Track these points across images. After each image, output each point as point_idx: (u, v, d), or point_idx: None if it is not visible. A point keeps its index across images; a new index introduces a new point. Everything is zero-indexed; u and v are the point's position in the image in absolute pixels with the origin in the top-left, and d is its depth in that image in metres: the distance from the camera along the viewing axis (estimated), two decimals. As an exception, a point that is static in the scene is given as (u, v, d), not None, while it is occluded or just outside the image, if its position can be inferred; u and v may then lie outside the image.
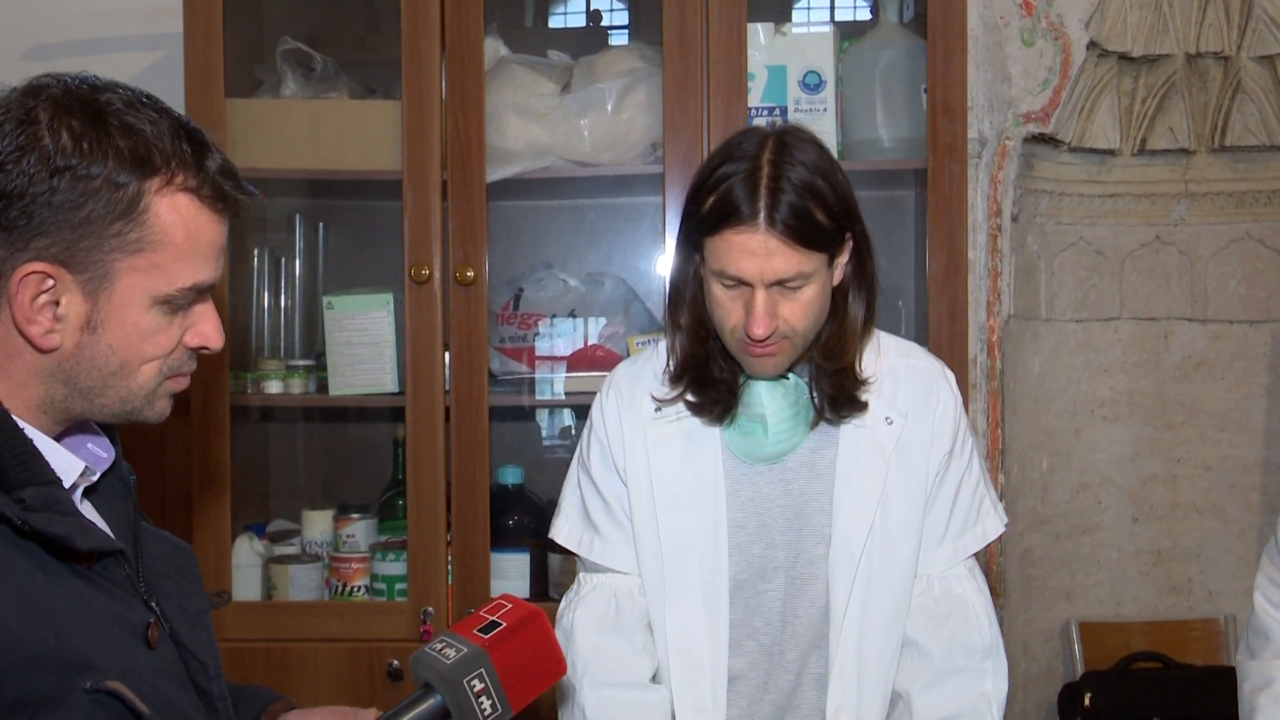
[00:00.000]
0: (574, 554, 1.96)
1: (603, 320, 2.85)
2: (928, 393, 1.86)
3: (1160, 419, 3.11)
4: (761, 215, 1.66)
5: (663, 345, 1.91)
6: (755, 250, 1.67)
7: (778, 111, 2.68)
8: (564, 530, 1.95)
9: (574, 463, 1.97)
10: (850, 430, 1.83)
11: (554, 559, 2.77)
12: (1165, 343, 3.12)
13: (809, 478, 1.84)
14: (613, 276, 2.92)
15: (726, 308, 1.73)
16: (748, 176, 1.67)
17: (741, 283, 1.69)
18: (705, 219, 1.70)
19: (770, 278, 1.68)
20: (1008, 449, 2.98)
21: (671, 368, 1.85)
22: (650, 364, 1.92)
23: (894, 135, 2.70)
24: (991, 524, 1.91)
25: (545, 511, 2.83)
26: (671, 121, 2.59)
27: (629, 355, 2.72)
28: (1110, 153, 3.04)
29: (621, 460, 1.87)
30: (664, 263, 2.63)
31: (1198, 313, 3.11)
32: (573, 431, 3.09)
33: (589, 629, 1.86)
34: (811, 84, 2.69)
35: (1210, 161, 3.06)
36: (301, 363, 2.83)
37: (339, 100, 2.77)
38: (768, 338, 1.70)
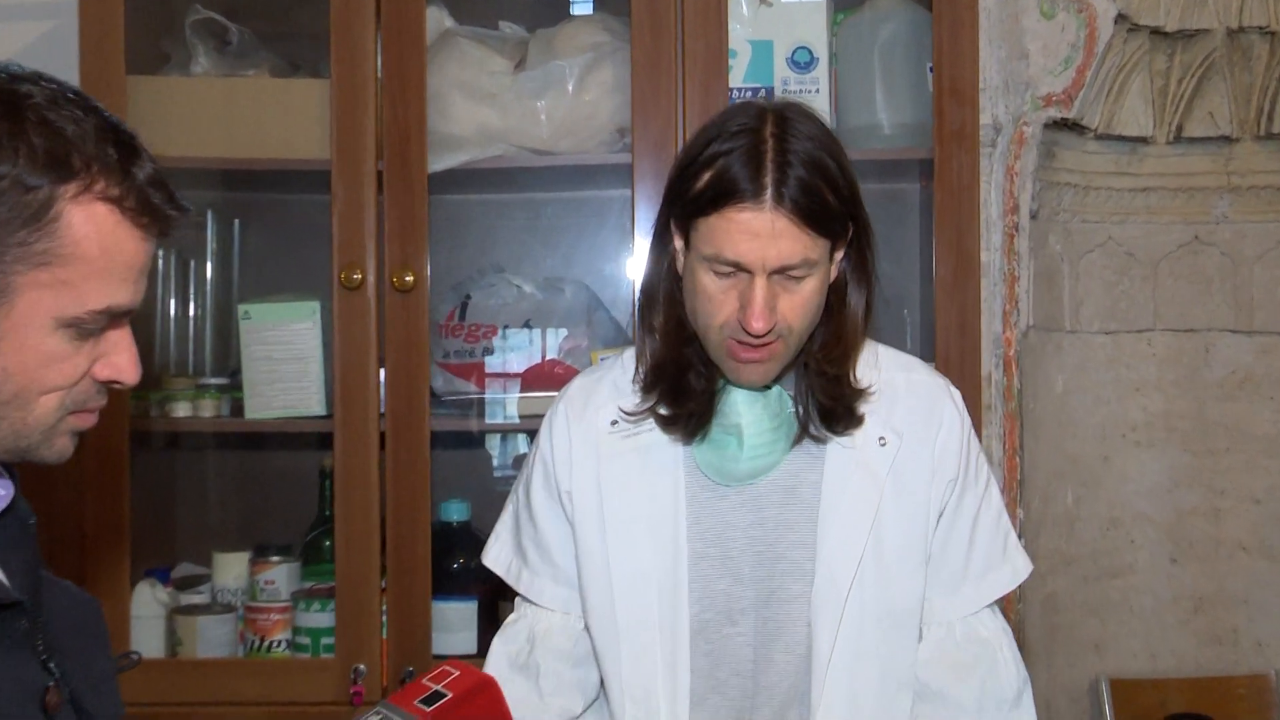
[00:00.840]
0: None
1: (563, 332, 2.86)
2: (929, 412, 1.88)
3: (1201, 444, 3.14)
4: (769, 191, 1.68)
5: (626, 355, 1.94)
6: (760, 231, 1.69)
7: (763, 93, 2.71)
8: (493, 553, 2.02)
9: (517, 482, 2.02)
10: (837, 450, 1.85)
11: (506, 607, 2.77)
12: (1206, 357, 3.15)
13: (785, 504, 1.85)
14: (574, 282, 2.94)
15: (717, 301, 1.74)
16: (749, 151, 1.70)
17: (740, 269, 1.71)
18: (699, 197, 1.72)
19: (774, 263, 1.70)
20: (1027, 480, 3.01)
21: (642, 376, 1.87)
22: (610, 375, 1.94)
23: (895, 120, 2.74)
24: (1021, 562, 1.94)
25: (495, 553, 2.85)
26: (641, 104, 2.62)
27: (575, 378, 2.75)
28: (1142, 141, 3.08)
29: (567, 482, 1.89)
30: (633, 266, 2.65)
31: (1242, 323, 3.14)
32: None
33: (501, 663, 1.93)
34: (801, 62, 2.73)
35: (1256, 151, 3.11)
36: (213, 381, 2.83)
37: (258, 78, 2.78)
38: (765, 334, 1.72)
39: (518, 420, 2.88)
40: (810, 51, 2.73)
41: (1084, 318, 3.11)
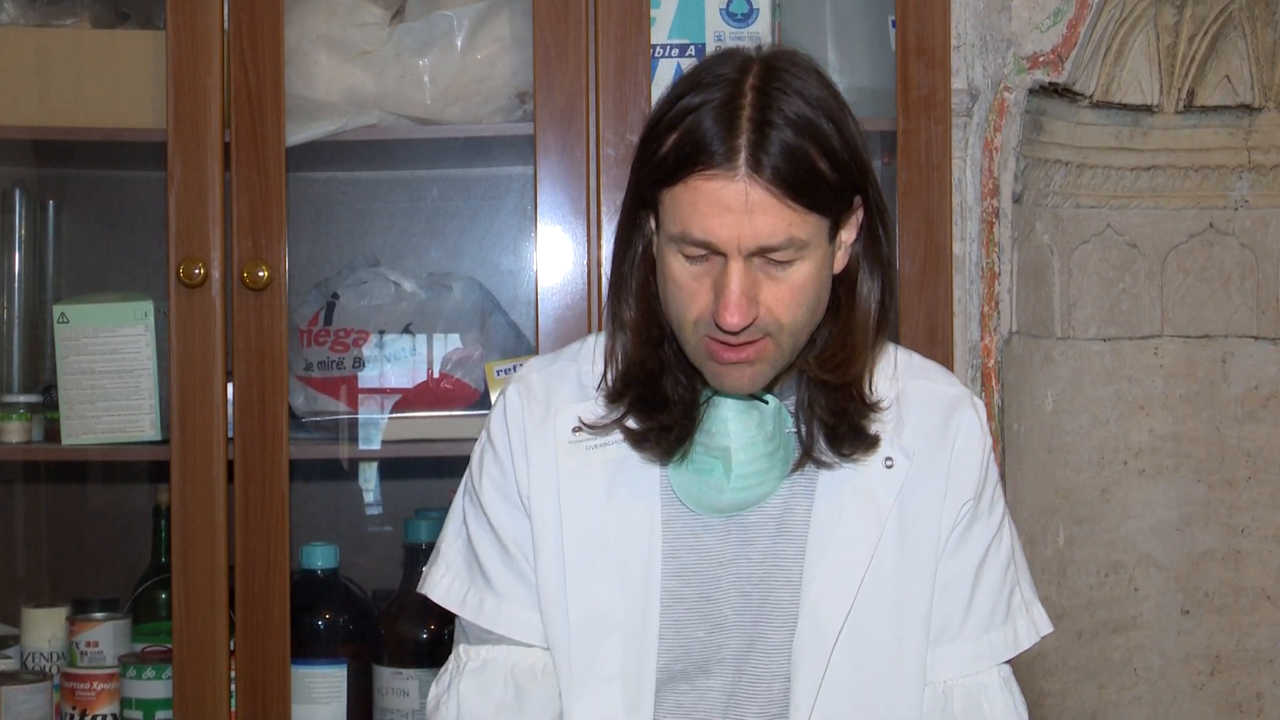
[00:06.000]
0: (447, 627, 2.02)
1: (452, 339, 2.88)
2: (944, 422, 1.90)
3: (1218, 473, 3.19)
4: (742, 155, 1.67)
5: (592, 344, 1.94)
6: (732, 204, 1.68)
7: (692, 51, 2.74)
8: (442, 583, 1.95)
9: (459, 493, 1.99)
10: (831, 472, 1.85)
11: (382, 673, 2.79)
12: (1223, 369, 3.20)
13: (776, 535, 1.86)
14: (464, 278, 2.95)
15: (689, 291, 1.74)
16: (723, 105, 1.69)
17: (712, 251, 1.71)
18: (663, 164, 1.72)
19: (750, 243, 1.69)
20: (1010, 515, 3.04)
21: (610, 381, 1.86)
22: (574, 367, 1.94)
23: (851, 85, 2.77)
24: (1025, 625, 1.94)
25: (369, 607, 2.86)
26: (545, 64, 2.64)
27: (487, 387, 2.76)
28: (1147, 110, 3.12)
29: (526, 486, 1.88)
30: (535, 258, 2.67)
31: (1267, 329, 3.19)
32: (409, 495, 3.12)
33: (486, 718, 1.88)
34: (739, 14, 2.76)
35: (1281, 122, 3.18)
36: (22, 399, 2.83)
37: (77, 29, 2.78)
38: (743, 330, 1.72)
39: (396, 446, 2.90)
40: (749, 1, 2.77)
41: (1078, 322, 3.16)
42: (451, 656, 1.96)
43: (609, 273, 1.90)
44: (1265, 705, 3.18)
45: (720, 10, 2.75)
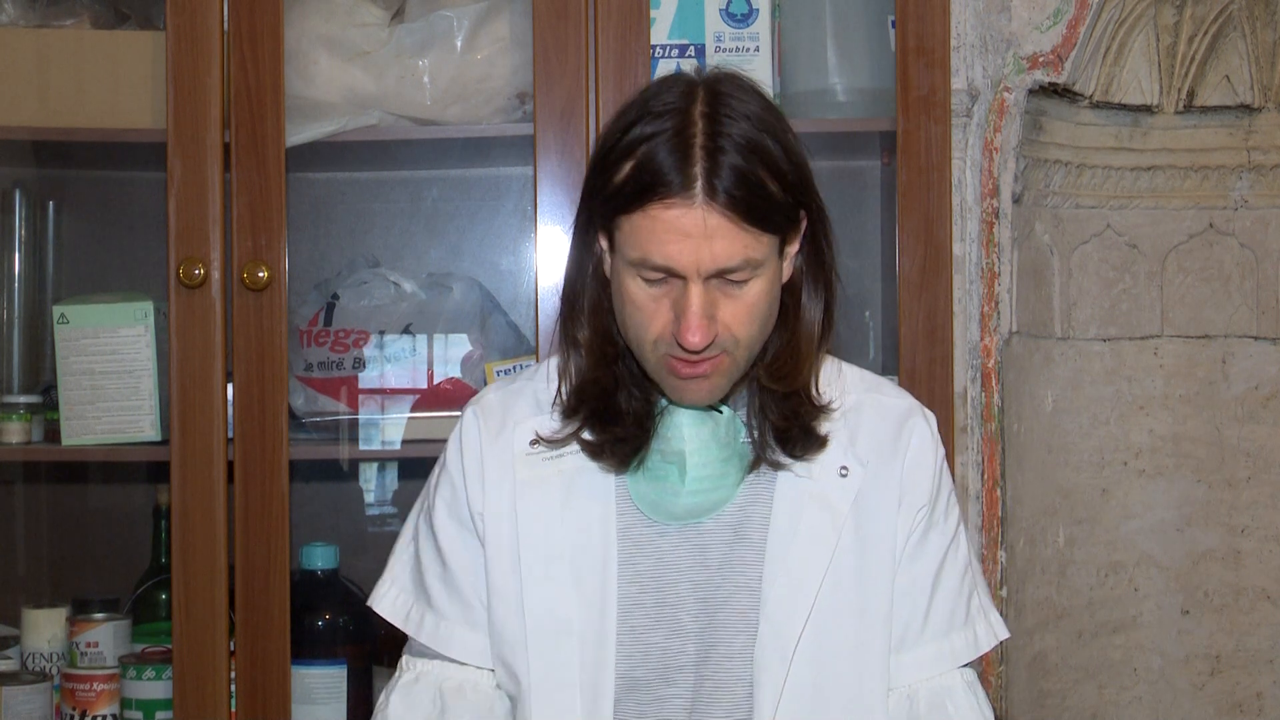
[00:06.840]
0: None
1: (452, 339, 2.88)
2: (896, 433, 1.94)
3: (1218, 473, 3.19)
4: (699, 184, 1.72)
5: (547, 365, 1.98)
6: (691, 230, 1.73)
7: (692, 51, 2.75)
8: (388, 597, 2.02)
9: (414, 509, 2.03)
10: (789, 480, 1.89)
11: (382, 673, 2.79)
12: (1224, 369, 3.20)
13: (733, 541, 1.90)
14: (464, 278, 2.96)
15: (648, 312, 1.79)
16: (676, 135, 1.74)
17: (671, 274, 1.76)
18: (620, 193, 1.77)
19: (709, 267, 1.74)
20: (1010, 516, 3.05)
21: (564, 397, 1.91)
22: (530, 385, 1.98)
23: (851, 85, 2.78)
24: (984, 629, 1.98)
25: (368, 608, 2.86)
26: (545, 64, 2.65)
27: (487, 386, 2.77)
28: (1147, 110, 3.12)
29: (480, 504, 1.92)
30: (535, 258, 2.68)
31: (1267, 329, 3.19)
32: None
33: None
34: (738, 14, 2.77)
35: (1281, 122, 3.18)
36: (22, 400, 2.83)
37: (77, 30, 2.79)
38: (705, 349, 1.77)
39: (397, 446, 2.90)
40: (749, 1, 2.77)
41: (1078, 322, 3.16)
42: (397, 667, 2.02)
43: (562, 291, 1.94)
44: (1265, 705, 3.18)
45: (720, 10, 2.76)
